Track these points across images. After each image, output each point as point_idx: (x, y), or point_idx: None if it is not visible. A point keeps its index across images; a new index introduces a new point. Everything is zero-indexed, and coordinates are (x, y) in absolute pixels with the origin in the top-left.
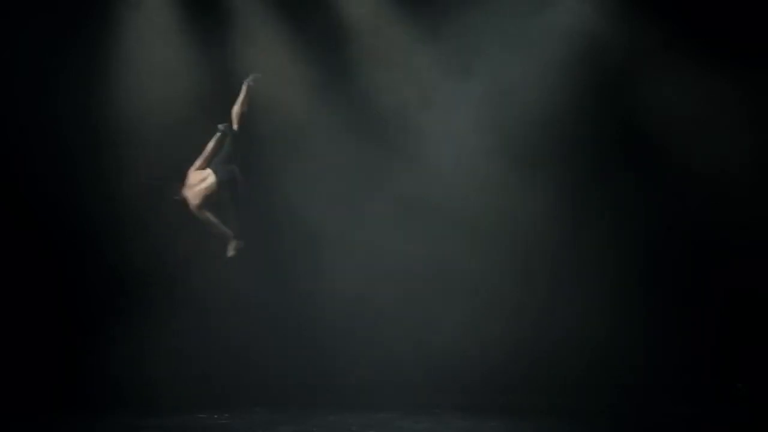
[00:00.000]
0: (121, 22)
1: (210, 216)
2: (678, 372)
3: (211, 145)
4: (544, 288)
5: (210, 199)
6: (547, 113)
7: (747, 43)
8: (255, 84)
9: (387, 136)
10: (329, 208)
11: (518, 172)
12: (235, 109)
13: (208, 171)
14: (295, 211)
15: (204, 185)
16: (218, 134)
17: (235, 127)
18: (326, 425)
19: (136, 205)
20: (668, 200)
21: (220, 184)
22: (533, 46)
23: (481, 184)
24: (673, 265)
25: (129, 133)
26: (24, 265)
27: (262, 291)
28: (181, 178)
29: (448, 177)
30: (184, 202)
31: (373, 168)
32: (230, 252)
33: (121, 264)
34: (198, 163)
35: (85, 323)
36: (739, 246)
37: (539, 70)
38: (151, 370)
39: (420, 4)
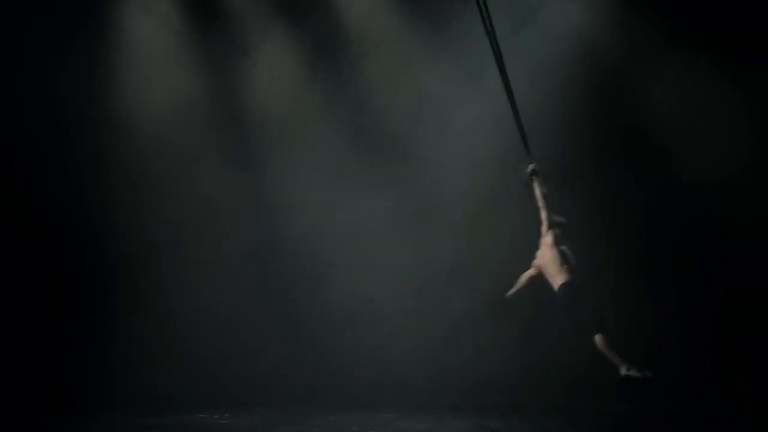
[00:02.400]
0: (121, 22)
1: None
2: (678, 372)
3: (536, 194)
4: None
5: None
6: (547, 115)
7: (747, 43)
8: (533, 173)
9: (388, 140)
10: (329, 211)
11: (518, 173)
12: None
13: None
14: (295, 214)
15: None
16: (529, 180)
17: (554, 222)
18: (326, 425)
19: (137, 205)
20: (668, 200)
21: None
22: (534, 50)
23: (481, 186)
24: (673, 265)
25: (130, 132)
26: (24, 265)
27: (262, 292)
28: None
29: (448, 179)
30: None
31: (375, 171)
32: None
33: (122, 265)
34: (544, 220)
35: (84, 323)
36: (739, 246)
37: (539, 73)
38: (152, 370)
39: (421, 10)
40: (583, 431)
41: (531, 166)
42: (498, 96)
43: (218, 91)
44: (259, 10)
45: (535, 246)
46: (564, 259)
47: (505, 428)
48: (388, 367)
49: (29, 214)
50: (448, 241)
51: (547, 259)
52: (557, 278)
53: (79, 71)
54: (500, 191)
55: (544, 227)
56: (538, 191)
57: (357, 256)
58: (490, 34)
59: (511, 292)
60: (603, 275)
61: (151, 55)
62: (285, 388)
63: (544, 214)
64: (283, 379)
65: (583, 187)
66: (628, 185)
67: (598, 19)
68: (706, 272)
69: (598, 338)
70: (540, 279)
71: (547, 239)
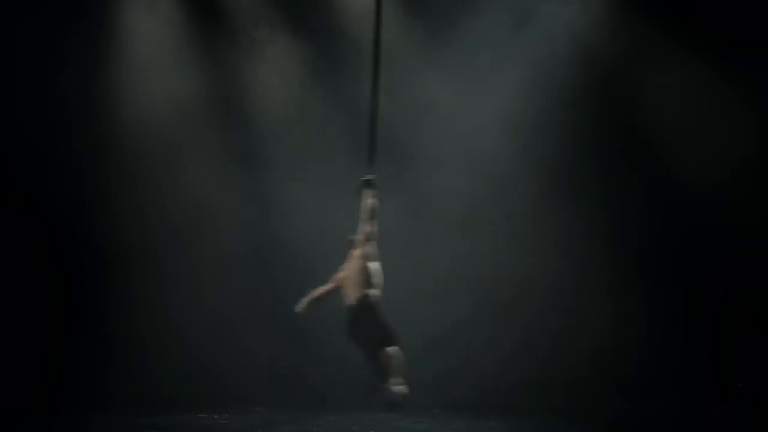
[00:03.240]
0: (123, 21)
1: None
2: (678, 372)
3: (365, 205)
4: (544, 288)
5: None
6: (548, 116)
7: (747, 43)
8: (368, 183)
9: (388, 143)
10: (329, 212)
11: (518, 175)
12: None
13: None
14: (294, 211)
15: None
16: (362, 189)
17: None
18: (326, 425)
19: (137, 205)
20: (668, 200)
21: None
22: (534, 51)
23: (482, 187)
24: (673, 265)
25: (131, 131)
26: (23, 264)
27: (262, 292)
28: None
29: (449, 179)
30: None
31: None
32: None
33: (121, 264)
34: (364, 232)
35: (84, 323)
36: (739, 246)
37: (540, 74)
38: (152, 370)
39: (423, 14)
40: (583, 431)
41: (368, 177)
42: (499, 100)
43: (219, 92)
44: (262, 11)
45: (534, 245)
46: (370, 273)
47: (505, 428)
48: None
49: (29, 213)
50: (450, 243)
51: (354, 270)
52: (358, 290)
53: (81, 70)
54: (501, 193)
55: (361, 238)
56: (368, 203)
57: None
58: (376, 39)
59: (303, 303)
60: (603, 275)
61: (152, 54)
62: (285, 388)
63: (367, 227)
64: (283, 379)
65: (583, 187)
66: (628, 185)
67: (598, 20)
68: (706, 272)
69: (385, 351)
70: (334, 293)
71: (359, 251)
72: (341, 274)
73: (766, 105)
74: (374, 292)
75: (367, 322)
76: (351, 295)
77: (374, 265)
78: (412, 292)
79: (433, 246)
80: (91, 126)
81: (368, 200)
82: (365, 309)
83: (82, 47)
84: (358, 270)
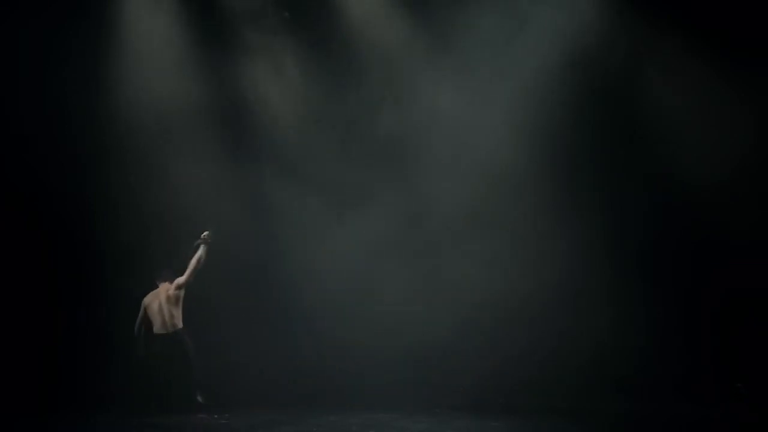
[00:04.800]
0: (123, 20)
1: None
2: (678, 372)
3: (195, 257)
4: (544, 289)
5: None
6: (548, 117)
7: (747, 43)
8: (204, 241)
9: (388, 147)
10: (329, 211)
11: (519, 175)
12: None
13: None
14: (294, 214)
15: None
16: (198, 244)
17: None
18: (326, 425)
19: (138, 207)
20: (668, 200)
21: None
22: (533, 52)
23: (482, 188)
24: (673, 265)
25: (130, 131)
26: (24, 264)
27: (262, 293)
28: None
29: (450, 181)
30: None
31: (373, 177)
32: None
33: (122, 265)
34: (183, 280)
35: (85, 323)
36: (739, 246)
37: (540, 75)
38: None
39: (423, 17)
40: (582, 431)
41: (206, 233)
42: (500, 102)
43: (219, 92)
44: (262, 12)
45: (535, 246)
46: (171, 316)
47: (505, 428)
48: (388, 367)
49: (29, 213)
50: (450, 244)
51: (157, 306)
52: (169, 323)
53: (81, 71)
54: (502, 194)
55: (178, 283)
56: (198, 256)
57: (360, 258)
58: None
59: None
60: (603, 275)
61: (152, 54)
62: (285, 388)
63: (187, 275)
64: (284, 379)
65: (584, 187)
66: (628, 185)
67: (598, 21)
68: (706, 272)
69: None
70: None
71: (171, 293)
72: (147, 300)
73: (766, 105)
74: (167, 332)
75: (173, 350)
76: (159, 326)
77: (175, 310)
78: (413, 293)
79: (434, 247)
80: (91, 126)
81: (199, 254)
82: (172, 339)
83: (82, 47)
84: (161, 309)
